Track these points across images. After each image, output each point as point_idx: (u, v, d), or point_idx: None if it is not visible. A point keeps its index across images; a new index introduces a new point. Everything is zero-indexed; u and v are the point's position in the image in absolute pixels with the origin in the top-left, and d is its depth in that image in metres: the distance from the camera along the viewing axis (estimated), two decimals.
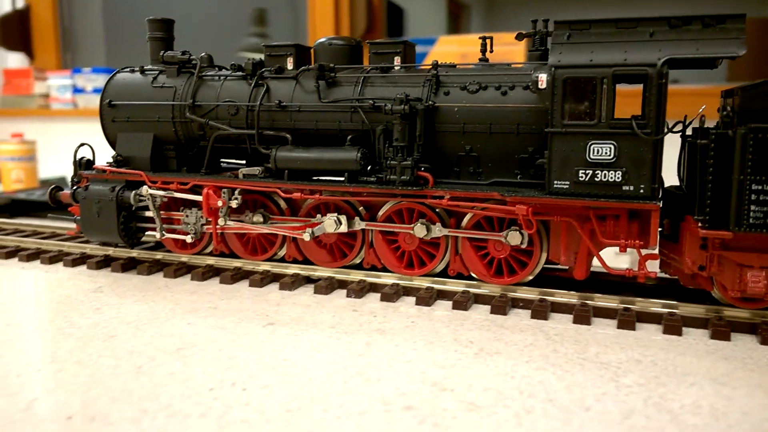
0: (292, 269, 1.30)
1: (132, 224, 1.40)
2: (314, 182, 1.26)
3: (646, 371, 0.87)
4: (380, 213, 1.26)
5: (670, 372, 0.87)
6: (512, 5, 4.31)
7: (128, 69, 1.46)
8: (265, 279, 1.28)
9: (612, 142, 1.05)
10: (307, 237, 1.25)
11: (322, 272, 1.28)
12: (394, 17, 3.45)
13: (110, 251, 1.44)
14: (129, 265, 1.38)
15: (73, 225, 1.45)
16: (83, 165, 1.42)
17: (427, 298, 1.17)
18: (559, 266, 1.22)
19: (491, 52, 1.26)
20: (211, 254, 1.39)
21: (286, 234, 1.31)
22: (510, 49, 2.96)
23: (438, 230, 1.21)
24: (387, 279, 1.24)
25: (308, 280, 1.29)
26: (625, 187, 1.05)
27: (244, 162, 1.40)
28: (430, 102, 1.20)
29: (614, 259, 1.21)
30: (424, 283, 1.22)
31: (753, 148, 0.97)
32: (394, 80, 1.25)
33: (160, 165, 1.40)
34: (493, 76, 1.20)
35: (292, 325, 1.04)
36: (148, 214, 1.37)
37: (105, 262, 1.40)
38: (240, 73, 1.35)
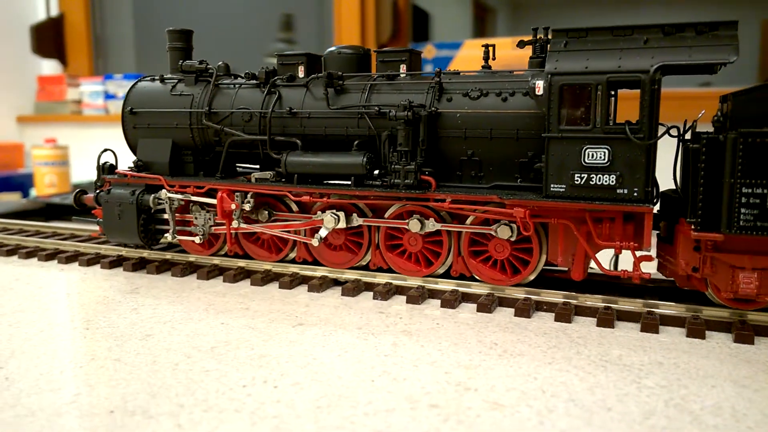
0: (320, 272, 1.34)
1: (151, 226, 1.46)
2: (323, 186, 1.31)
3: (668, 373, 0.88)
4: (386, 215, 1.30)
5: (692, 374, 0.88)
6: (538, 8, 4.31)
7: (149, 78, 1.52)
8: (294, 281, 1.31)
9: (606, 146, 1.08)
10: (315, 242, 1.30)
11: (349, 275, 1.32)
12: (420, 22, 3.47)
13: (145, 254, 1.49)
14: (163, 267, 1.43)
15: (97, 227, 1.51)
16: (106, 170, 1.48)
17: (451, 301, 1.19)
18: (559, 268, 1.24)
19: (494, 59, 1.29)
20: (236, 256, 1.44)
21: (295, 239, 1.36)
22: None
23: (431, 225, 1.24)
24: (413, 282, 1.27)
25: (336, 282, 1.32)
26: (619, 191, 1.08)
27: (258, 166, 1.46)
28: (433, 108, 1.23)
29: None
30: (448, 286, 1.24)
31: (743, 152, 0.99)
32: (399, 87, 1.29)
33: (178, 169, 1.46)
34: (494, 83, 1.23)
35: (320, 326, 1.07)
36: (167, 216, 1.43)
37: (140, 265, 1.45)
38: (254, 81, 1.41)
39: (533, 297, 1.18)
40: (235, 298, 1.23)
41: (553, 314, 1.13)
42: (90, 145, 2.99)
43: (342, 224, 1.29)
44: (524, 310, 1.14)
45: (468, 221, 1.24)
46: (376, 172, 1.28)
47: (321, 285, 1.29)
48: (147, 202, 1.42)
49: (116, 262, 1.48)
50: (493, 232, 1.21)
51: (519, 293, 1.20)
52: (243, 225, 1.36)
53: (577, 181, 1.10)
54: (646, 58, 1.05)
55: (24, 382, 0.85)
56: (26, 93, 3.91)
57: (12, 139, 3.82)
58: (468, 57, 2.58)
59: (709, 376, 0.87)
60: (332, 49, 1.37)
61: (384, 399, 0.80)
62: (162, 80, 1.50)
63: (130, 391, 0.81)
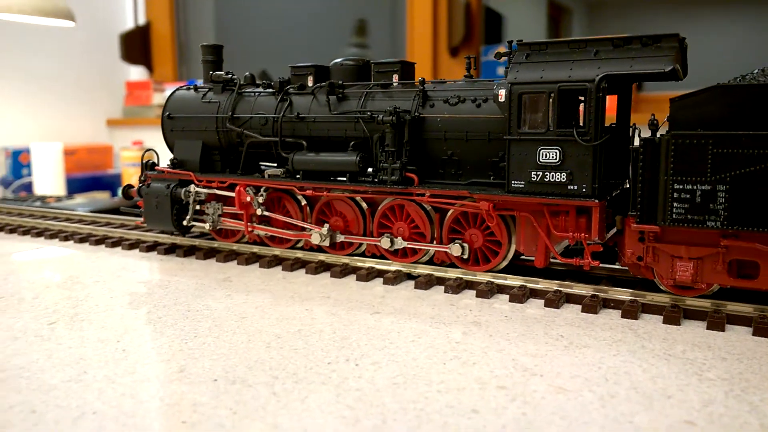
0: (395, 266, 1.42)
1: (184, 216, 1.65)
2: (323, 181, 1.47)
3: (731, 368, 0.91)
4: (379, 208, 1.45)
5: (755, 369, 0.91)
6: (615, 8, 4.24)
7: (185, 87, 1.73)
8: (370, 274, 1.40)
9: (558, 147, 1.19)
10: (316, 241, 1.48)
11: (421, 270, 1.39)
12: (493, 24, 3.50)
13: (235, 247, 1.62)
14: (252, 259, 1.55)
15: (141, 217, 1.73)
16: (148, 167, 1.69)
17: (520, 296, 1.25)
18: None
19: (475, 69, 1.42)
20: (254, 243, 1.62)
21: (301, 238, 1.54)
22: None
23: (399, 243, 1.42)
24: (482, 277, 1.33)
25: (409, 276, 1.40)
26: (570, 187, 1.19)
27: (275, 164, 1.62)
28: (417, 113, 1.38)
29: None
30: (517, 282, 1.30)
31: (674, 152, 1.09)
32: (391, 95, 1.44)
33: (208, 167, 1.66)
34: (471, 91, 1.37)
35: (395, 315, 1.15)
36: (198, 207, 1.63)
37: (231, 256, 1.58)
38: (270, 90, 1.58)
39: (601, 294, 1.22)
40: (317, 288, 1.33)
41: (620, 311, 1.17)
42: None
43: (326, 242, 1.47)
44: (592, 306, 1.19)
45: (449, 214, 1.38)
46: (370, 169, 1.43)
47: (395, 278, 1.37)
48: (179, 195, 1.63)
49: (210, 254, 1.62)
50: (448, 251, 1.37)
51: (586, 290, 1.24)
52: (265, 213, 1.55)
53: (534, 178, 1.22)
54: (593, 68, 1.16)
55: (138, 353, 0.98)
56: (116, 98, 4.17)
57: (102, 142, 4.09)
58: None
59: None
60: (337, 60, 1.55)
61: (455, 379, 0.87)
62: (195, 89, 1.70)
63: (229, 364, 0.92)
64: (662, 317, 1.13)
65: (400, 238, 1.42)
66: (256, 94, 1.60)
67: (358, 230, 1.49)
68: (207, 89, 1.67)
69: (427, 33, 3.31)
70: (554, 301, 1.21)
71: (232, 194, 1.56)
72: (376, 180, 1.41)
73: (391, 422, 0.75)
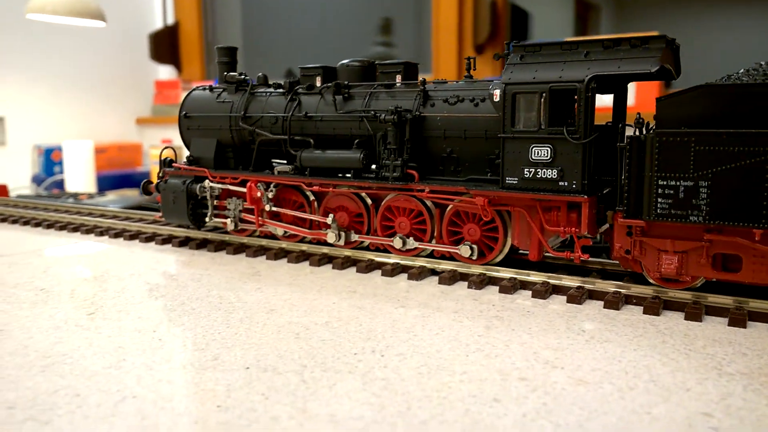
0: (419, 262, 1.45)
1: (199, 210, 1.74)
2: (329, 178, 1.54)
3: (751, 363, 0.93)
4: (383, 203, 1.51)
5: None
6: (644, 4, 4.21)
7: (201, 88, 1.79)
8: (395, 270, 1.44)
9: (549, 145, 1.24)
10: (331, 239, 1.54)
11: (445, 266, 1.42)
12: (519, 21, 3.49)
13: (263, 242, 1.66)
14: (280, 255, 1.59)
15: (159, 212, 1.82)
16: (166, 163, 1.77)
17: (542, 292, 1.27)
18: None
19: (474, 69, 1.46)
20: (265, 237, 1.69)
21: (312, 236, 1.60)
22: None
23: (411, 242, 1.47)
24: (505, 273, 1.36)
25: (433, 272, 1.43)
26: (560, 183, 1.24)
27: (285, 162, 1.67)
28: (417, 112, 1.43)
29: None
30: (539, 278, 1.32)
31: (659, 149, 1.13)
32: (394, 95, 1.50)
33: (222, 164, 1.73)
34: (469, 91, 1.42)
35: (419, 308, 1.18)
36: (207, 203, 1.71)
37: (260, 251, 1.63)
38: (281, 90, 1.65)
39: (623, 291, 1.24)
40: (343, 283, 1.37)
41: (642, 307, 1.19)
42: None
43: (341, 241, 1.54)
44: (614, 302, 1.20)
45: (448, 209, 1.43)
46: (373, 166, 1.49)
47: (419, 274, 1.40)
48: (194, 190, 1.70)
49: (240, 249, 1.66)
50: (458, 251, 1.41)
51: (609, 287, 1.26)
52: (273, 209, 1.62)
53: (527, 174, 1.27)
54: (583, 69, 1.20)
55: (174, 343, 1.02)
56: (145, 97, 4.25)
57: (132, 140, 4.18)
58: None
59: None
60: (344, 62, 1.60)
61: (477, 370, 0.90)
62: (211, 89, 1.77)
63: (260, 353, 0.96)
64: (684, 314, 1.15)
65: (411, 238, 1.47)
66: (268, 94, 1.67)
67: (362, 226, 1.55)
68: (222, 89, 1.74)
69: (453, 31, 3.32)
70: (576, 297, 1.23)
71: (242, 189, 1.63)
72: (378, 176, 1.46)
73: (415, 409, 0.78)
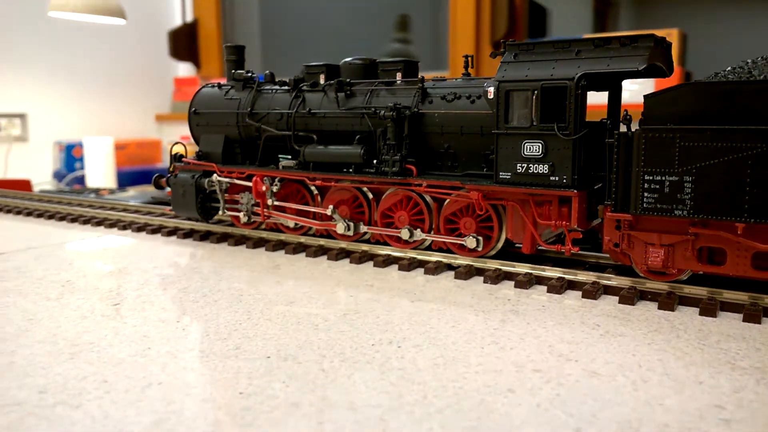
0: (435, 257, 1.47)
1: (207, 204, 1.79)
2: (331, 172, 1.58)
3: (764, 358, 0.94)
4: (383, 197, 1.55)
5: None
6: (663, 0, 4.18)
7: (210, 85, 1.84)
8: (411, 264, 1.46)
9: (540, 141, 1.28)
10: (341, 230, 1.57)
11: (461, 261, 1.44)
12: (537, 17, 3.49)
13: (282, 236, 1.69)
14: (299, 249, 1.62)
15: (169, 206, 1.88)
16: (176, 158, 1.82)
17: (558, 287, 1.28)
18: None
19: (472, 67, 1.51)
20: (271, 230, 1.73)
21: (316, 225, 1.64)
22: None
23: (419, 234, 1.50)
24: (521, 268, 1.37)
25: (449, 267, 1.45)
26: (552, 178, 1.28)
27: (290, 156, 1.72)
28: (416, 109, 1.47)
29: None
30: (555, 273, 1.33)
31: (645, 145, 1.16)
32: (394, 92, 1.54)
33: (230, 159, 1.78)
34: (466, 88, 1.45)
35: (436, 302, 1.20)
36: (218, 196, 1.75)
37: (279, 246, 1.66)
38: (286, 87, 1.69)
39: (638, 286, 1.25)
40: (361, 277, 1.39)
41: (657, 303, 1.20)
42: None
43: (350, 232, 1.57)
44: (629, 298, 1.21)
45: (446, 203, 1.47)
46: (374, 161, 1.52)
47: (436, 268, 1.42)
48: (203, 185, 1.76)
49: (259, 243, 1.69)
50: (464, 243, 1.44)
51: (624, 282, 1.27)
52: (276, 203, 1.66)
53: (519, 169, 1.30)
54: (573, 67, 1.24)
55: (197, 332, 1.05)
56: (164, 94, 4.31)
57: (151, 136, 4.23)
58: None
59: None
60: (347, 60, 1.64)
61: (492, 362, 0.92)
62: (219, 87, 1.82)
63: (281, 343, 0.99)
64: (698, 309, 1.16)
65: (419, 230, 1.50)
66: (274, 91, 1.71)
67: (363, 217, 1.60)
68: (229, 87, 1.79)
69: (470, 27, 3.33)
70: (592, 292, 1.25)
71: (248, 184, 1.68)
72: (378, 171, 1.50)
73: (431, 398, 0.80)
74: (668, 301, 1.18)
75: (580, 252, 1.41)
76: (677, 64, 2.78)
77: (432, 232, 1.49)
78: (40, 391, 0.83)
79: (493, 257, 1.44)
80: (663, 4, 4.16)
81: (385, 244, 1.56)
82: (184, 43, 4.21)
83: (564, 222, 1.30)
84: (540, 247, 1.41)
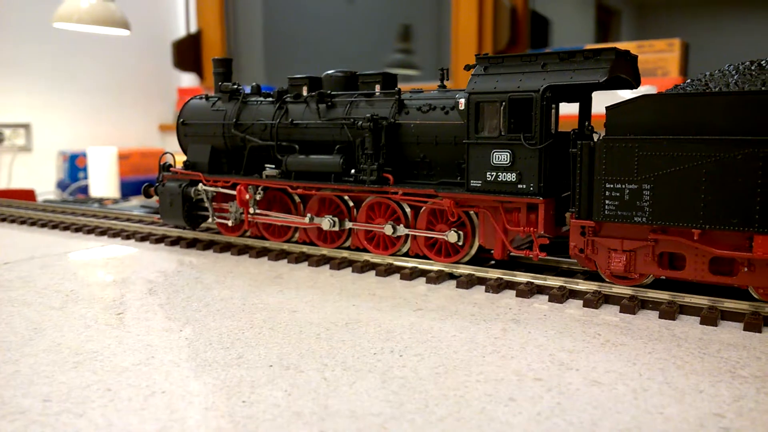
0: (437, 266, 1.48)
1: (194, 212, 1.84)
2: (312, 181, 1.62)
3: (765, 367, 0.94)
4: (363, 204, 1.59)
5: None
6: (665, 10, 4.20)
7: (198, 97, 1.88)
8: (413, 274, 1.46)
9: (509, 150, 1.32)
10: (326, 226, 1.61)
11: (462, 270, 1.45)
12: (539, 28, 3.50)
13: (285, 246, 1.70)
14: (301, 258, 1.63)
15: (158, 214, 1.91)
16: (164, 168, 1.86)
17: (559, 296, 1.29)
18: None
19: (447, 80, 1.54)
20: (255, 237, 1.79)
21: (299, 225, 1.69)
22: (661, 56, 2.95)
23: (402, 229, 1.54)
24: (522, 278, 1.38)
25: (450, 276, 1.46)
26: (519, 186, 1.33)
27: (275, 166, 1.75)
28: (393, 119, 1.52)
29: None
30: (556, 282, 1.34)
31: (606, 155, 1.20)
32: (372, 103, 1.58)
33: (216, 168, 1.82)
34: (441, 100, 1.49)
35: (437, 311, 1.21)
36: (206, 204, 1.81)
37: (282, 255, 1.66)
38: (270, 99, 1.74)
39: (639, 296, 1.25)
40: (363, 286, 1.40)
41: (658, 312, 1.20)
42: None
43: (336, 227, 1.61)
44: (630, 307, 1.22)
45: (422, 210, 1.52)
46: (353, 170, 1.55)
47: (437, 278, 1.43)
48: (189, 193, 1.81)
49: (263, 252, 1.70)
50: (445, 237, 1.48)
51: (625, 292, 1.27)
52: (258, 211, 1.72)
53: (489, 178, 1.35)
54: (539, 80, 1.28)
55: (200, 342, 1.06)
56: (168, 104, 4.33)
57: (155, 146, 4.25)
58: None
59: None
60: (329, 72, 1.69)
61: (494, 371, 0.92)
62: (206, 98, 1.86)
63: (283, 352, 0.99)
64: (699, 318, 1.16)
65: (401, 225, 1.54)
66: (259, 102, 1.76)
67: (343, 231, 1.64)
68: (216, 98, 1.83)
69: (472, 37, 3.34)
70: (593, 301, 1.25)
71: (233, 192, 1.73)
72: (357, 180, 1.54)
73: (432, 406, 0.81)
74: (669, 310, 1.18)
75: (549, 257, 1.45)
76: (679, 73, 2.80)
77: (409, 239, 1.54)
78: (44, 399, 0.84)
79: (467, 263, 1.47)
80: (665, 13, 4.18)
81: (365, 251, 1.60)
82: (187, 53, 4.24)
83: (532, 228, 1.34)
84: (511, 253, 1.44)
